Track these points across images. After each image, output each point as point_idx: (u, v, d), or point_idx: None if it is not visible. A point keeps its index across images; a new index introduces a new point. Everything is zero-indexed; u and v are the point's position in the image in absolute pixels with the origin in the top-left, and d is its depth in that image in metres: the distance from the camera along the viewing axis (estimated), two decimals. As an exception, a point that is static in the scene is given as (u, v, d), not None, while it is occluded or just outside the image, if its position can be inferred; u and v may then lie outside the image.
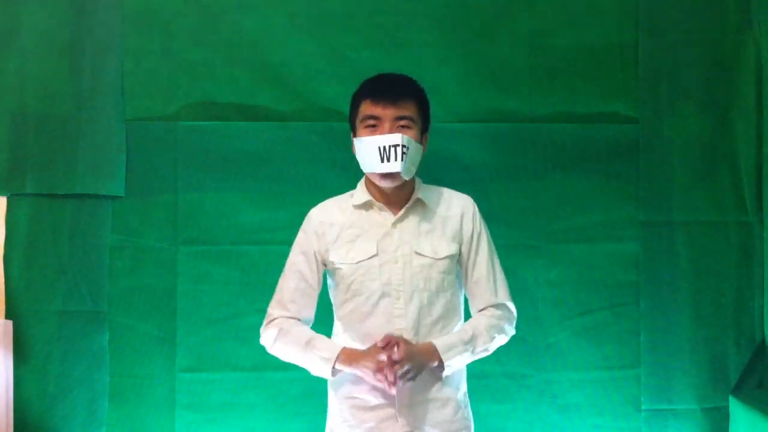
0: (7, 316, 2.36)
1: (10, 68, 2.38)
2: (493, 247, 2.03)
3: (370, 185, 2.01)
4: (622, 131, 2.47)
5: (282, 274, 2.04)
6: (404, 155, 1.86)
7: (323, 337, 1.96)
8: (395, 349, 1.81)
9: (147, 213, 2.42)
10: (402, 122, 1.91)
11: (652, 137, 2.47)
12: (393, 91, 1.91)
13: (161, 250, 2.42)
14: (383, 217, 1.98)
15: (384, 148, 1.86)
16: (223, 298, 2.42)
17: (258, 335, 2.02)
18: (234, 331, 2.41)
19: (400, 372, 1.79)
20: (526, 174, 2.46)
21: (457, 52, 2.45)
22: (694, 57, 2.48)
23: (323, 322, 2.05)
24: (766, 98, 2.46)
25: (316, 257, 2.01)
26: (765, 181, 2.46)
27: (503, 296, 2.00)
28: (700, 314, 2.46)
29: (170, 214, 2.42)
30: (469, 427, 2.00)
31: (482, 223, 2.03)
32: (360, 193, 2.02)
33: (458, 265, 2.00)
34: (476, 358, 1.95)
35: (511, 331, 2.01)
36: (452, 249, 1.97)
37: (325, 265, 2.02)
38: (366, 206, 2.01)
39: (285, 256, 2.05)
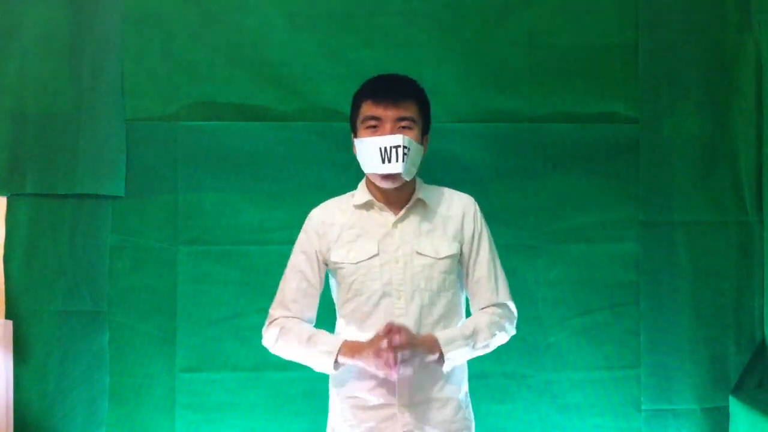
0: (7, 316, 2.36)
1: (10, 68, 2.38)
2: (494, 247, 2.03)
3: (371, 185, 2.01)
4: (622, 131, 2.47)
5: (283, 275, 2.04)
6: (405, 156, 1.86)
7: (325, 332, 1.96)
8: (396, 336, 1.78)
9: (147, 213, 2.42)
10: (403, 123, 1.90)
11: (652, 137, 2.47)
12: (394, 91, 1.91)
13: (161, 250, 2.42)
14: (384, 217, 1.98)
15: (385, 149, 1.86)
16: (223, 298, 2.42)
17: (258, 335, 2.02)
18: (234, 331, 2.41)
19: (400, 356, 1.77)
20: (526, 174, 2.46)
21: (457, 52, 2.45)
22: (694, 57, 2.48)
23: (326, 322, 2.04)
24: (766, 98, 2.46)
25: (317, 256, 2.01)
26: (765, 181, 2.47)
27: (504, 296, 2.00)
28: (700, 314, 2.47)
29: (170, 214, 2.42)
30: (470, 428, 1.99)
31: (483, 222, 2.03)
32: (361, 193, 2.02)
33: (459, 264, 2.00)
34: (476, 354, 1.94)
35: (512, 330, 2.01)
36: (453, 248, 1.97)
37: (326, 264, 2.02)
38: (367, 206, 2.01)
39: (285, 256, 2.05)
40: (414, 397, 1.91)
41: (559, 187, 2.46)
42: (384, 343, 1.79)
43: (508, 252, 2.16)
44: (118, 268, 2.41)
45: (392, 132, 1.88)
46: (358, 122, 1.95)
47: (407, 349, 1.79)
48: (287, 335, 1.95)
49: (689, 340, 2.46)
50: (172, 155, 2.42)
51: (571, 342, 2.45)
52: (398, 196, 1.98)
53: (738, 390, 2.45)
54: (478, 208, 2.04)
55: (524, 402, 2.45)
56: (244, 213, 2.43)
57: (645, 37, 2.47)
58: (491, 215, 2.11)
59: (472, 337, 1.91)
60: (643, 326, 2.46)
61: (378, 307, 1.92)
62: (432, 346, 1.86)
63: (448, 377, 1.94)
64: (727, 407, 2.44)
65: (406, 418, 1.90)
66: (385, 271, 1.93)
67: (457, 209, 2.01)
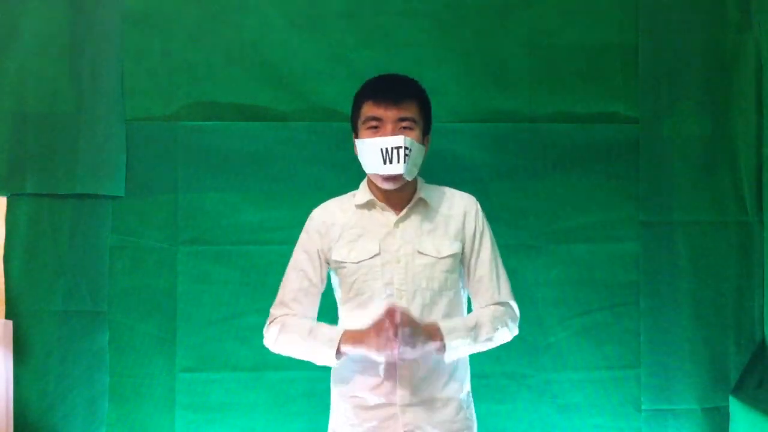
0: (7, 316, 2.36)
1: (10, 68, 2.38)
2: (496, 246, 2.03)
3: (372, 185, 2.01)
4: (622, 131, 2.47)
5: (285, 275, 2.04)
6: (406, 157, 1.86)
7: (325, 324, 1.96)
8: (397, 314, 1.77)
9: (147, 213, 2.41)
10: (404, 123, 1.90)
11: (652, 137, 2.47)
12: (395, 92, 1.91)
13: (161, 250, 2.42)
14: (385, 216, 1.98)
15: (386, 150, 1.86)
16: (223, 298, 2.42)
17: (258, 335, 2.02)
18: (234, 331, 2.41)
19: (401, 332, 1.75)
20: (526, 174, 2.46)
21: (457, 52, 2.45)
22: (694, 57, 2.48)
23: (327, 322, 2.03)
24: (766, 98, 2.46)
25: (319, 255, 2.01)
26: (765, 181, 2.47)
27: (506, 295, 2.00)
28: (700, 314, 2.47)
29: (170, 214, 2.42)
30: (471, 428, 1.99)
31: (485, 221, 2.03)
32: (362, 192, 2.02)
33: (461, 263, 2.00)
34: (478, 348, 1.94)
35: (515, 329, 2.00)
36: (455, 248, 1.97)
37: (328, 263, 2.02)
38: (368, 206, 2.01)
39: (285, 256, 2.06)
40: (415, 397, 1.91)
41: (559, 187, 2.46)
42: (386, 322, 1.78)
43: (508, 252, 2.16)
44: (118, 268, 2.41)
45: (393, 133, 1.88)
46: (359, 123, 1.95)
47: (408, 326, 1.77)
48: (288, 330, 1.95)
49: (689, 340, 2.46)
50: (172, 155, 2.42)
51: (571, 342, 2.45)
52: (400, 196, 1.98)
53: (738, 390, 2.46)
54: (479, 207, 2.04)
55: (524, 402, 2.45)
56: (244, 213, 2.43)
57: (645, 37, 2.47)
58: (491, 215, 2.11)
59: (474, 329, 1.90)
60: (643, 326, 2.46)
61: (379, 307, 1.91)
62: (434, 333, 1.85)
63: (450, 375, 1.94)
64: (727, 407, 2.45)
65: (407, 417, 1.90)
66: (386, 271, 1.93)
67: (458, 208, 2.02)
